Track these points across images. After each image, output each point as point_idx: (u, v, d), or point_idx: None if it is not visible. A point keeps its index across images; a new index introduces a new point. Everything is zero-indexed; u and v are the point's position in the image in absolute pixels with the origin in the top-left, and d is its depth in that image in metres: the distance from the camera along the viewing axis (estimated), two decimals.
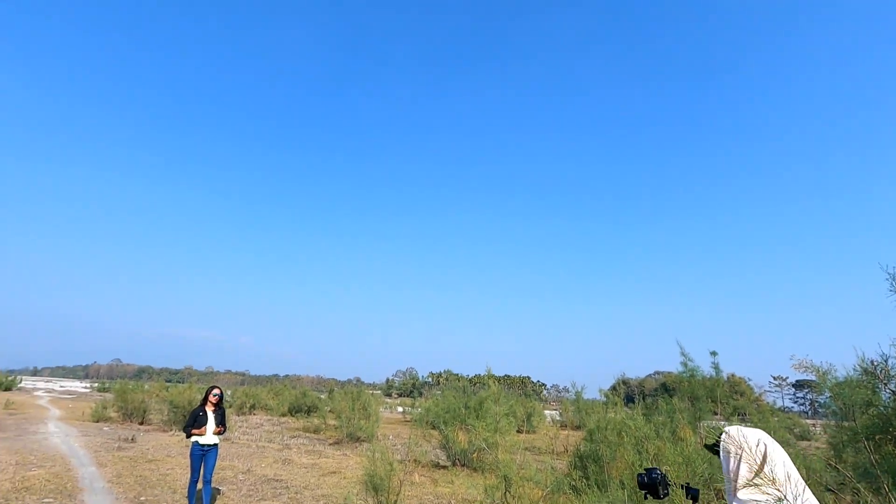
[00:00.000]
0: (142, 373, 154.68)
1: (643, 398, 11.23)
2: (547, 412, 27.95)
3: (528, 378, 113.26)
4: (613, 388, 23.98)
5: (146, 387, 22.10)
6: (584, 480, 4.99)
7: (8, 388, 38.59)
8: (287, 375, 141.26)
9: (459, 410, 12.15)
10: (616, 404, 16.18)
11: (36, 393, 39.00)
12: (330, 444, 15.13)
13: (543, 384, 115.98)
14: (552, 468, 5.94)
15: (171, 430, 16.40)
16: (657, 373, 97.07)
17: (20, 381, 46.09)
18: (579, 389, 22.76)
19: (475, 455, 11.20)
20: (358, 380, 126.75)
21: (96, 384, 62.05)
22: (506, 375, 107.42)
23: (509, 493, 5.04)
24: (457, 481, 9.37)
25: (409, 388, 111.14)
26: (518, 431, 17.92)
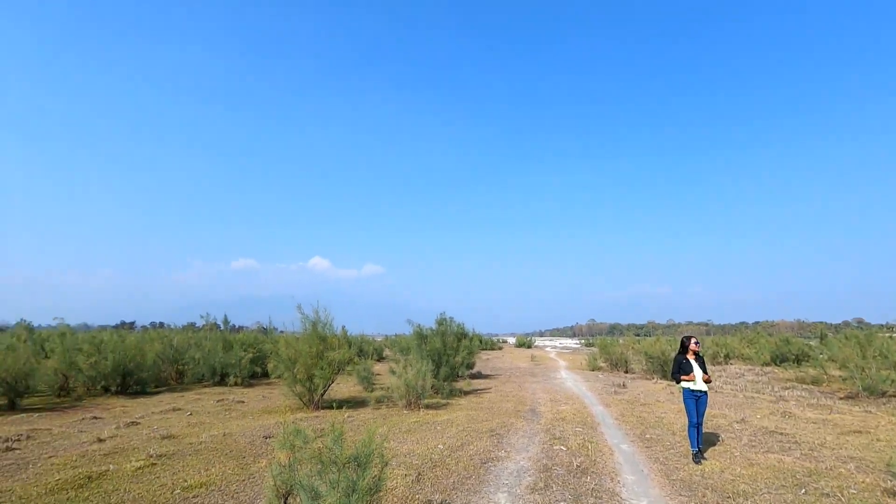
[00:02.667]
0: (613, 329, 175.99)
1: None
2: None
3: None
4: None
5: (620, 341, 25.03)
6: None
7: (529, 347, 52.50)
8: (758, 322, 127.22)
9: None
10: None
11: (545, 349, 50.99)
12: (840, 399, 12.51)
13: None
14: None
15: (653, 378, 17.81)
16: None
17: (535, 341, 61.71)
18: None
19: None
20: (860, 321, 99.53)
21: (583, 341, 75.40)
22: None
23: None
24: None
25: None
26: None
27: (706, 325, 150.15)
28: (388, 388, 11.33)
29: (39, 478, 5.61)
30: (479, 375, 19.36)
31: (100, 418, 9.61)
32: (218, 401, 12.02)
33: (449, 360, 14.13)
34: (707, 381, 6.88)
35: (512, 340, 75.12)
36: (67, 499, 4.94)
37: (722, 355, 26.24)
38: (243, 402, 12.00)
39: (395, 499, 5.02)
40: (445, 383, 13.15)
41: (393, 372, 12.56)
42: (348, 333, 11.82)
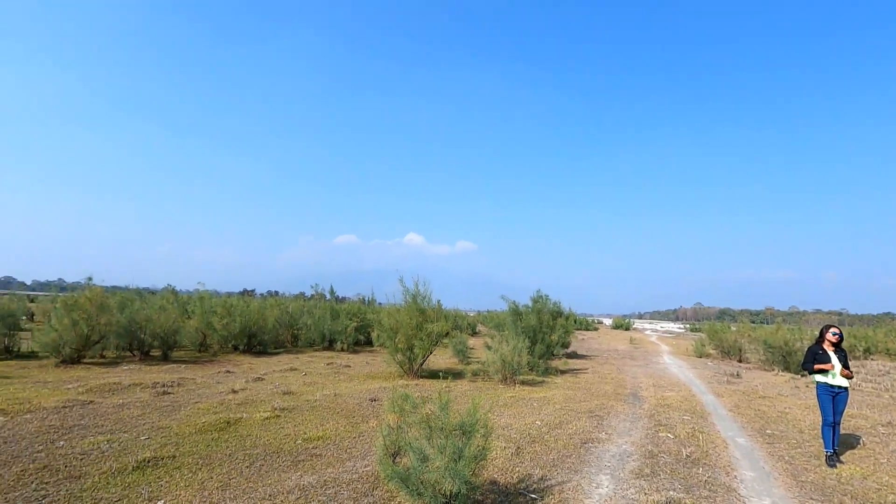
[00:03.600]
0: (723, 314, 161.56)
1: None
2: None
3: None
4: None
5: (732, 328, 22.88)
6: None
7: (627, 329, 50.12)
8: None
9: None
10: None
11: (645, 332, 48.36)
12: None
13: None
14: None
15: (774, 369, 16.13)
16: None
17: (633, 323, 58.78)
18: None
19: None
20: None
21: (687, 325, 70.26)
22: None
23: None
24: None
25: None
26: None
27: (839, 314, 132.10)
28: (484, 362, 11.50)
29: (189, 419, 6.55)
30: (574, 355, 18.93)
31: (232, 372, 10.93)
32: (327, 364, 13.08)
33: (545, 337, 13.96)
34: (848, 377, 6.05)
35: (608, 321, 72.56)
36: (213, 439, 5.71)
37: (861, 349, 22.98)
38: (349, 366, 12.93)
39: (496, 469, 5.12)
40: (541, 361, 13.04)
41: (488, 347, 12.71)
42: (442, 307, 12.11)
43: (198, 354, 13.92)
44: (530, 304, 15.31)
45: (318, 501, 4.14)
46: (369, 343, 18.69)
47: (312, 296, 25.59)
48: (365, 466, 5.01)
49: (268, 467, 4.91)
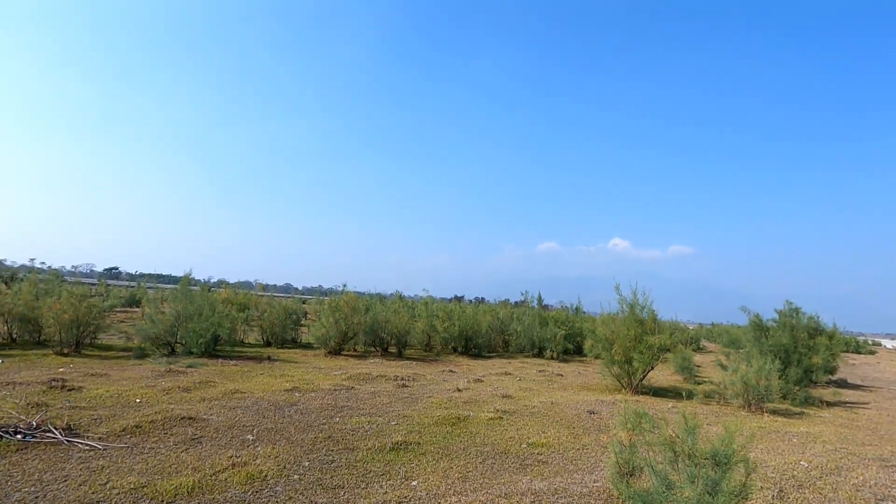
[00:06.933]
0: None
1: None
2: None
3: None
4: None
5: None
6: None
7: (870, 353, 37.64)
8: None
9: None
10: None
11: None
12: None
13: None
14: None
15: None
16: None
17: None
18: None
19: None
20: None
21: None
22: None
23: None
24: None
25: None
26: None
27: None
28: (719, 383, 10.03)
29: (426, 411, 7.36)
30: (843, 384, 15.04)
31: (454, 372, 11.94)
32: (539, 371, 13.20)
33: (801, 360, 11.44)
34: None
35: (890, 344, 56.02)
36: (447, 432, 6.30)
37: None
38: (562, 375, 12.80)
39: None
40: (798, 388, 10.73)
41: (722, 365, 11.06)
42: (657, 318, 11.00)
43: (424, 353, 15.64)
44: (777, 317, 12.77)
45: None
46: (578, 352, 18.22)
47: (517, 303, 26.31)
48: (594, 481, 4.85)
49: (498, 466, 5.16)
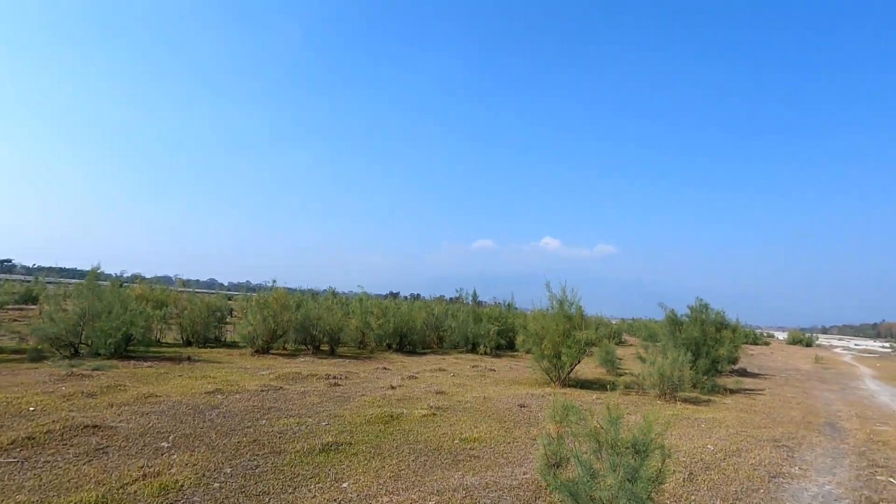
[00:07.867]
0: None
1: None
2: None
3: None
4: None
5: None
6: None
7: (808, 345, 42.48)
8: None
9: None
10: None
11: (834, 350, 40.50)
12: None
13: None
14: None
15: None
16: None
17: (816, 339, 49.64)
18: None
19: None
20: None
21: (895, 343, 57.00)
22: None
23: None
24: None
25: None
26: None
27: None
28: (638, 374, 10.71)
29: (358, 410, 7.21)
30: (743, 373, 16.62)
31: (388, 369, 11.82)
32: (473, 366, 13.40)
33: (710, 351, 12.49)
34: None
35: (781, 335, 62.88)
36: (380, 431, 6.21)
37: None
38: (494, 370, 13.08)
39: (668, 495, 4.69)
40: (706, 378, 11.69)
41: (641, 358, 11.82)
42: (584, 314, 11.55)
43: (358, 351, 15.36)
44: (688, 312, 13.87)
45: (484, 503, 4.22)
46: (510, 347, 18.72)
47: (452, 299, 26.60)
48: (524, 473, 4.98)
49: (431, 463, 5.16)
